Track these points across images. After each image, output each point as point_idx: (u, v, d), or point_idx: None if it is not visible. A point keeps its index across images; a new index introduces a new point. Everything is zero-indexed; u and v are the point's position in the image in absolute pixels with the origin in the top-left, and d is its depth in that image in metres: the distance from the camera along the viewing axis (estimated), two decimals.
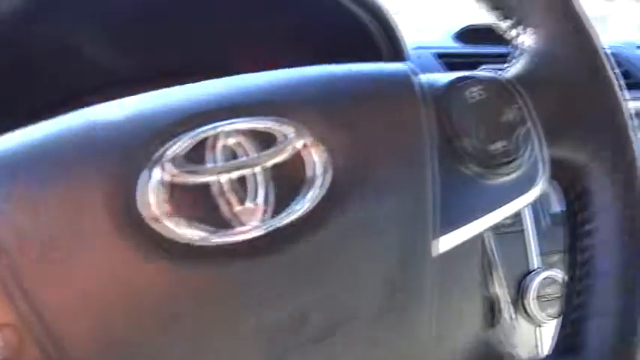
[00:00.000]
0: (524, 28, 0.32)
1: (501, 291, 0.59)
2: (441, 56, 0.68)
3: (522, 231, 0.60)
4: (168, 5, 0.54)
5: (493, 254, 0.62)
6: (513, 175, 0.29)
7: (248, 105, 0.26)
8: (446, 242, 0.28)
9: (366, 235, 0.26)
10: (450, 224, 0.28)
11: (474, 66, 0.69)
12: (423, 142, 0.27)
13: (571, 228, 0.32)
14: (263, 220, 0.24)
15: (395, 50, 0.57)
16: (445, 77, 0.31)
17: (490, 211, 0.28)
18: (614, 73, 0.32)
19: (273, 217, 0.24)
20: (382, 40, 0.57)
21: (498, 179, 0.29)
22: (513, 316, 0.57)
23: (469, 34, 0.76)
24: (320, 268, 0.25)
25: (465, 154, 0.28)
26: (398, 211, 0.26)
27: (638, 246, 0.29)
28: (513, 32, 0.33)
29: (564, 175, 0.31)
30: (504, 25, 0.34)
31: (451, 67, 0.66)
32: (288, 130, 0.25)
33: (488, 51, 0.73)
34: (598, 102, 0.31)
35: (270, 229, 0.24)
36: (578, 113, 0.31)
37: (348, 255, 0.25)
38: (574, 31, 0.32)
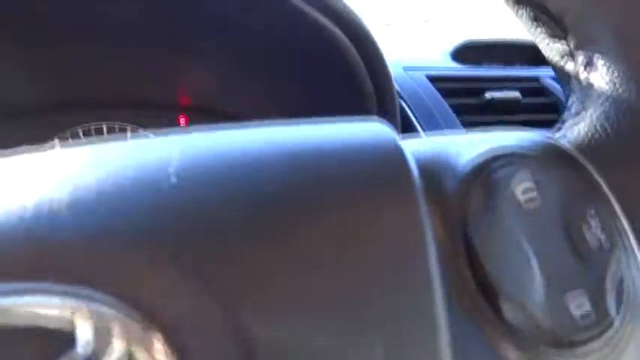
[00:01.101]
0: (592, 57, 0.18)
1: None
2: (434, 79, 0.54)
3: None
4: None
5: None
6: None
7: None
8: None
9: None
10: None
11: (473, 92, 0.56)
12: (431, 295, 0.12)
13: None
14: None
15: (375, 70, 0.42)
16: (462, 156, 0.16)
17: None
18: None
19: None
20: (360, 59, 0.42)
21: None
22: None
23: (467, 52, 0.63)
24: None
25: (506, 325, 0.14)
26: None
27: None
28: (569, 64, 0.19)
29: None
30: (553, 48, 0.19)
31: (447, 92, 0.53)
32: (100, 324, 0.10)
33: (490, 73, 0.60)
34: None
35: None
36: None
37: None
38: None
